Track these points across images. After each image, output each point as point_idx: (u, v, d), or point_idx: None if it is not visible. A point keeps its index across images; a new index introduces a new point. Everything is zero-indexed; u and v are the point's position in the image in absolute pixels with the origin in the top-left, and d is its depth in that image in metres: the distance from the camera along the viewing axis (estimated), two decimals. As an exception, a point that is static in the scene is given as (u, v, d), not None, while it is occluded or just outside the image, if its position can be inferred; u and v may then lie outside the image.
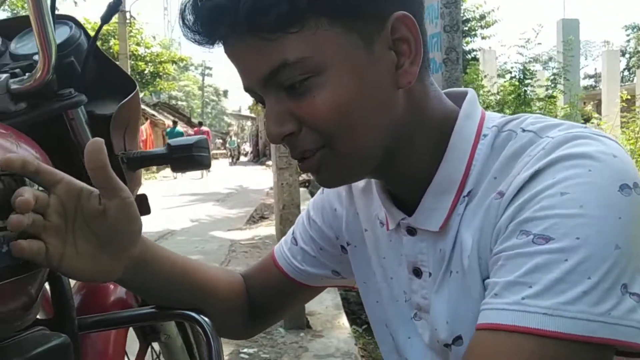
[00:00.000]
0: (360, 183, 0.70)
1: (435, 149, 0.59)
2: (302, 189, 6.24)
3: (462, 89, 0.64)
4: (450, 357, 0.59)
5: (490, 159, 0.56)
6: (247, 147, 38.52)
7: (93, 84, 0.84)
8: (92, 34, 0.81)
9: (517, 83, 6.88)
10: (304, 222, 0.79)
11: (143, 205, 0.97)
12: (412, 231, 0.62)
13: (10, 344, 0.59)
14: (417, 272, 0.62)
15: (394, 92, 0.55)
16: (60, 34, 0.79)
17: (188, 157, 0.87)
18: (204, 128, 21.46)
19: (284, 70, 0.52)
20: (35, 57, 0.71)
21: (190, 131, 22.84)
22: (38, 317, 0.73)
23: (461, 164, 0.57)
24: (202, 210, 8.33)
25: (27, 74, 0.71)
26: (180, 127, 19.04)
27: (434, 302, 0.60)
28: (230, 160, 29.28)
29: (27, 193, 0.49)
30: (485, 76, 7.43)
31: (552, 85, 7.33)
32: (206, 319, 0.73)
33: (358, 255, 0.72)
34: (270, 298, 0.80)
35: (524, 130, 0.55)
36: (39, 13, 0.64)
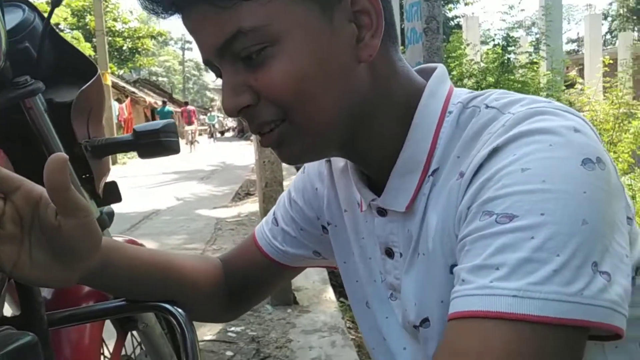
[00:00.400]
0: (340, 162, 0.69)
1: (400, 127, 0.57)
2: (286, 165, 6.21)
3: (434, 64, 0.62)
4: (419, 339, 0.58)
5: (454, 137, 0.55)
6: (229, 122, 37.80)
7: (51, 70, 0.80)
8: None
9: (499, 50, 6.85)
10: (284, 203, 0.78)
11: (113, 193, 0.95)
12: (382, 212, 0.61)
13: (-28, 346, 0.57)
14: (389, 253, 0.62)
15: (355, 66, 0.54)
16: (12, 19, 0.75)
17: (155, 143, 0.84)
18: (190, 107, 20.99)
19: (238, 39, 0.50)
20: (-15, 44, 0.67)
21: (178, 109, 22.69)
22: (7, 315, 0.71)
23: (425, 143, 0.56)
24: (186, 189, 8.28)
25: (-23, 62, 0.67)
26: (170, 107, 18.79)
27: (404, 282, 0.59)
28: (208, 136, 27.61)
29: None
30: (468, 44, 7.37)
31: (535, 51, 7.30)
32: (179, 309, 0.72)
33: (338, 235, 0.71)
34: (251, 279, 0.79)
35: (487, 107, 0.53)
36: (-17, -3, 0.60)
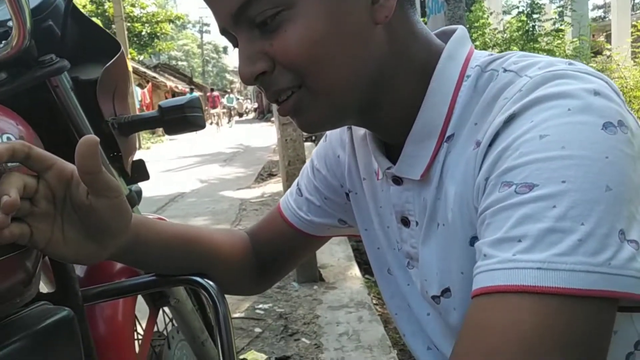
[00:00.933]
0: (360, 131, 0.68)
1: (418, 91, 0.55)
2: (308, 144, 6.21)
3: (455, 26, 0.60)
4: (440, 309, 0.58)
5: (471, 101, 0.53)
6: (249, 105, 37.53)
7: (75, 49, 0.80)
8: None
9: (524, 18, 6.64)
10: (308, 173, 0.78)
11: (141, 171, 0.96)
12: (397, 180, 0.60)
13: (12, 321, 0.59)
14: (405, 222, 0.61)
15: (372, 28, 0.52)
16: (34, -3, 0.75)
17: (181, 119, 0.84)
18: (215, 93, 23.11)
19: (253, 3, 0.49)
20: (10, 24, 0.67)
21: (199, 93, 23.15)
22: (43, 291, 0.72)
23: (442, 108, 0.54)
24: (209, 171, 8.35)
25: (2, 42, 0.67)
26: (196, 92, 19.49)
27: (422, 252, 0.58)
28: (227, 120, 25.70)
29: (14, 186, 0.47)
30: (491, 13, 7.16)
31: (560, 19, 7.07)
32: (210, 282, 0.72)
33: (359, 203, 0.71)
34: (278, 251, 0.79)
35: (505, 70, 0.51)
36: (6, -25, 0.60)
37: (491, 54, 0.56)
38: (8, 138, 0.56)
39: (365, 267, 3.23)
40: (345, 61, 0.52)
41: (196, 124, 0.86)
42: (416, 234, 0.60)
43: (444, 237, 0.55)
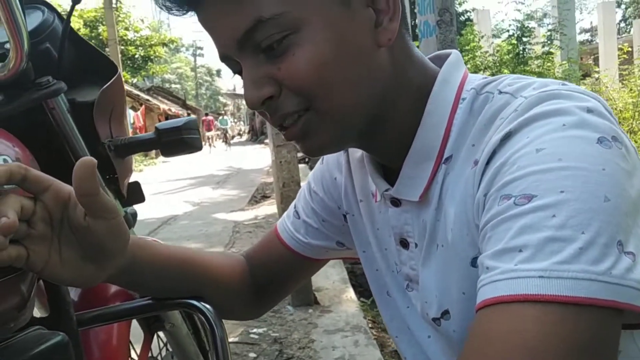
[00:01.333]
0: (357, 153, 0.68)
1: (415, 115, 0.56)
2: (301, 166, 6.22)
3: (449, 50, 0.62)
4: (440, 331, 0.57)
5: (468, 123, 0.54)
6: (241, 127, 37.45)
7: (72, 71, 0.80)
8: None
9: (514, 41, 6.76)
10: (305, 195, 0.77)
11: (137, 193, 0.95)
12: (396, 202, 0.60)
13: (6, 346, 0.57)
14: (404, 244, 0.61)
15: (375, 51, 0.53)
16: (33, 20, 0.75)
17: (178, 141, 0.84)
18: (210, 117, 24.76)
19: (259, 28, 0.50)
20: (7, 46, 0.67)
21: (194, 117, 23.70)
22: (36, 316, 0.71)
23: (439, 130, 0.55)
24: (202, 194, 8.32)
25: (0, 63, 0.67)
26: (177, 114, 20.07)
27: (423, 274, 0.58)
28: (222, 141, 25.33)
29: (11, 207, 0.46)
30: (482, 37, 7.29)
31: (549, 42, 7.20)
32: (207, 305, 0.71)
33: (356, 225, 0.71)
34: (276, 274, 0.79)
35: (500, 92, 0.52)
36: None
37: (485, 77, 0.57)
38: (4, 160, 0.56)
39: (360, 290, 3.21)
40: (352, 83, 0.52)
41: (193, 146, 0.86)
42: (416, 256, 0.60)
43: (443, 258, 0.55)
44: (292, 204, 0.80)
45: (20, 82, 0.69)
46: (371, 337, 2.45)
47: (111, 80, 0.80)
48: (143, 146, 0.85)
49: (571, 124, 0.43)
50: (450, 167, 0.54)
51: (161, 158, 18.99)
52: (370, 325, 2.63)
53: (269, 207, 6.30)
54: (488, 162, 0.47)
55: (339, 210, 0.73)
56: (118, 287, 0.89)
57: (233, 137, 34.56)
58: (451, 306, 0.54)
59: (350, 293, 3.05)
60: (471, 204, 0.50)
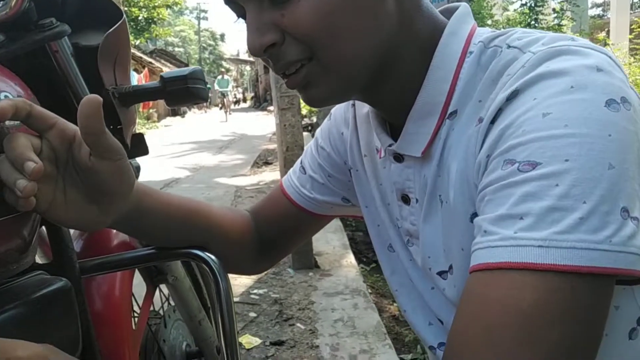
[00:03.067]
0: (364, 108, 0.67)
1: (421, 68, 0.55)
2: (305, 134, 6.18)
3: (458, 3, 0.59)
4: (445, 285, 0.57)
5: (475, 78, 0.52)
6: (238, 94, 36.00)
7: (76, 14, 0.78)
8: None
9: (527, 10, 6.61)
10: (312, 151, 0.77)
11: (140, 146, 0.93)
12: (398, 158, 0.60)
13: (7, 288, 0.57)
14: (406, 199, 0.61)
15: (383, 1, 0.51)
16: (34, -43, 0.72)
17: (183, 90, 0.81)
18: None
19: None
20: (8, -17, 0.65)
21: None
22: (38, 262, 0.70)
23: (444, 85, 0.54)
24: (205, 158, 8.32)
25: (0, 2, 0.65)
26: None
27: (423, 230, 0.58)
28: (222, 109, 20.40)
29: (28, 148, 0.46)
30: (494, 4, 7.13)
31: (560, 14, 7.06)
32: (212, 256, 0.70)
33: (360, 179, 0.71)
34: (280, 230, 0.79)
35: (509, 46, 0.50)
36: None
37: (494, 31, 0.55)
38: (5, 96, 0.54)
39: (359, 257, 3.23)
40: (357, 33, 0.51)
41: (199, 96, 0.84)
42: (416, 212, 0.59)
43: (446, 214, 0.54)
44: (299, 160, 0.80)
45: (22, 22, 0.67)
46: (370, 301, 2.48)
47: (116, 25, 0.78)
48: (148, 95, 0.83)
49: (579, 85, 0.43)
50: (454, 123, 0.53)
51: (163, 122, 18.92)
52: (369, 291, 2.65)
53: (270, 174, 6.31)
54: (493, 121, 0.46)
55: (345, 166, 0.73)
56: (121, 238, 0.89)
57: (237, 102, 33.62)
58: (454, 262, 0.55)
59: (351, 258, 3.08)
60: (472, 162, 0.49)
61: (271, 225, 0.78)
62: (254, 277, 2.89)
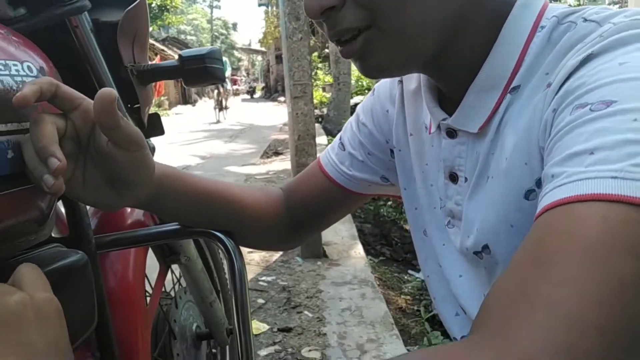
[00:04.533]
0: (412, 84, 0.65)
1: (487, 39, 0.52)
2: (316, 125, 6.17)
3: None
4: (482, 265, 0.55)
5: (543, 52, 0.49)
6: (251, 83, 34.63)
7: (96, -10, 0.77)
8: None
9: None
10: (352, 127, 0.75)
11: (156, 126, 0.93)
12: (451, 133, 0.57)
13: (24, 259, 0.57)
14: (454, 178, 0.58)
15: None
16: None
17: (201, 69, 0.81)
18: (235, 77, 21.75)
19: None
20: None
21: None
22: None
23: (510, 59, 0.50)
24: (215, 147, 8.34)
25: (22, -25, 0.65)
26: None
27: (468, 208, 0.56)
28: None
29: (52, 139, 0.45)
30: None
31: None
32: (227, 237, 0.70)
33: (403, 160, 0.68)
34: (315, 207, 0.76)
35: (585, 20, 0.47)
36: None
37: (569, 7, 0.52)
38: (28, 67, 0.54)
39: (367, 248, 3.22)
40: (423, 3, 0.48)
41: (216, 76, 0.83)
42: (463, 191, 0.57)
43: (492, 188, 0.52)
44: (337, 137, 0.77)
45: (43, -4, 0.67)
46: (378, 292, 2.47)
47: (136, 2, 0.78)
48: (166, 74, 0.83)
49: None
50: (515, 97, 0.50)
51: (174, 110, 18.96)
52: (377, 283, 2.65)
53: (280, 164, 6.31)
54: (563, 84, 0.43)
55: (387, 145, 0.71)
56: (135, 217, 0.89)
57: (252, 91, 32.77)
58: (495, 240, 0.52)
59: (359, 249, 3.07)
60: (537, 127, 0.46)
61: (306, 203, 0.76)
62: (263, 264, 2.90)
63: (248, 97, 31.13)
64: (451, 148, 0.57)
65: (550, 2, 0.54)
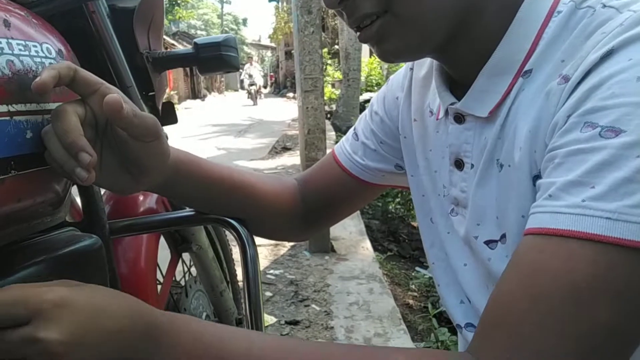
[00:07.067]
0: (422, 71, 0.65)
1: (502, 24, 0.51)
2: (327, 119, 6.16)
3: None
4: (492, 255, 0.55)
5: (559, 38, 0.48)
6: (255, 80, 34.28)
7: (113, -24, 0.78)
8: None
9: None
10: (366, 117, 0.75)
11: (170, 114, 0.94)
12: (459, 118, 0.56)
13: (40, 241, 0.57)
14: (459, 164, 0.58)
15: None
16: None
17: (216, 57, 0.81)
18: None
19: None
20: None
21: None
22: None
23: (525, 43, 0.49)
24: (225, 141, 8.35)
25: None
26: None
27: (475, 195, 0.55)
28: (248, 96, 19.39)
29: (77, 130, 0.46)
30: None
31: None
32: (241, 225, 0.70)
33: (407, 147, 0.68)
34: (329, 199, 0.76)
35: (604, 6, 0.46)
36: None
37: None
38: (47, 48, 0.54)
39: (374, 244, 3.22)
40: None
41: (231, 64, 0.83)
42: (469, 178, 0.56)
43: (505, 179, 0.51)
44: (352, 128, 0.78)
45: (61, -20, 0.67)
46: (386, 287, 2.47)
47: (152, -12, 0.78)
48: (181, 61, 0.83)
49: None
50: (526, 82, 0.50)
51: (184, 104, 18.99)
52: (385, 279, 2.65)
53: (289, 159, 6.31)
54: (581, 81, 0.43)
55: (398, 131, 0.71)
56: (148, 204, 0.89)
57: (263, 87, 32.60)
58: (509, 230, 0.52)
59: (367, 244, 3.07)
60: (547, 121, 0.46)
61: (320, 193, 0.76)
62: (270, 257, 2.90)
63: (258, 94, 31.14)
64: (458, 134, 0.57)
65: None
